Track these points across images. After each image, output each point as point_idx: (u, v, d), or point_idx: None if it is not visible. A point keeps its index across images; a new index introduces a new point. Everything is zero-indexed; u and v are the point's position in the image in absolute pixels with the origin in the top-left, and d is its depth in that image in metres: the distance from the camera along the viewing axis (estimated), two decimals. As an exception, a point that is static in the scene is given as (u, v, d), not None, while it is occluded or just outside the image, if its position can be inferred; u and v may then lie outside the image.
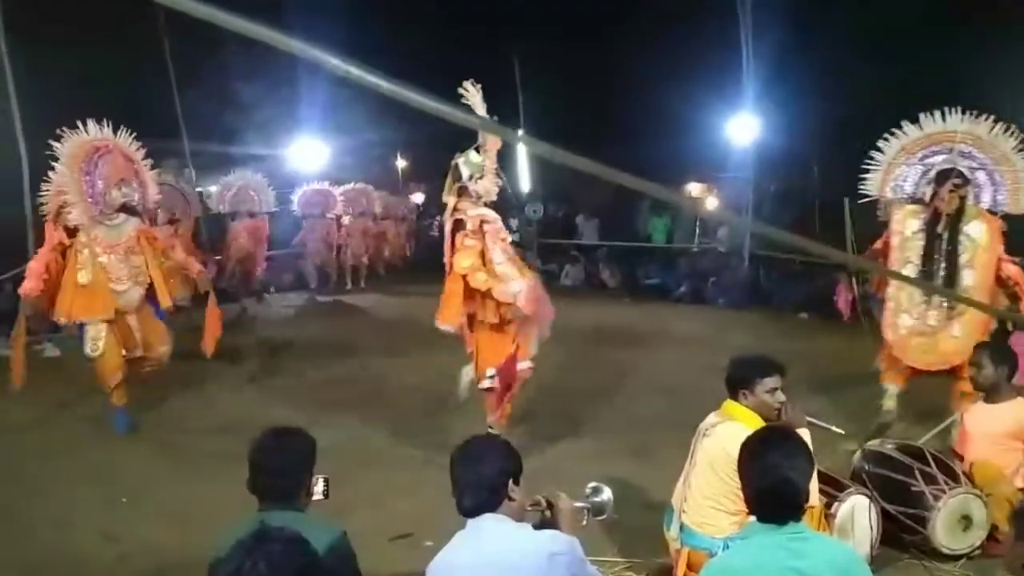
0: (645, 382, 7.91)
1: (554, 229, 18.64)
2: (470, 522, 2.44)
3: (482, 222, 5.57)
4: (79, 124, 6.47)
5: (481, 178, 5.60)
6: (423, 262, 17.88)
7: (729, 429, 3.41)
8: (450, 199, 5.69)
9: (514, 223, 18.82)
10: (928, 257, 5.28)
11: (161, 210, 8.77)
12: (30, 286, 6.32)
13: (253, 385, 7.45)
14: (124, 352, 6.44)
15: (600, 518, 2.88)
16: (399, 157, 21.73)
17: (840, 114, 11.07)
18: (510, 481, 2.45)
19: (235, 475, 2.75)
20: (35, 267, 6.36)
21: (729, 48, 13.26)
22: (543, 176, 17.48)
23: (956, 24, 11.24)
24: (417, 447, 5.90)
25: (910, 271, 5.28)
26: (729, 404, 3.58)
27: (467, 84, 5.53)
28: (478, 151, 5.59)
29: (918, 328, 5.30)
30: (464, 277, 5.45)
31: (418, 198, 19.87)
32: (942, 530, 4.05)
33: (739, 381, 3.55)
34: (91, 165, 6.37)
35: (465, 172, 5.61)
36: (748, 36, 13.04)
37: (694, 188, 19.00)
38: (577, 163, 1.43)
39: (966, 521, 4.09)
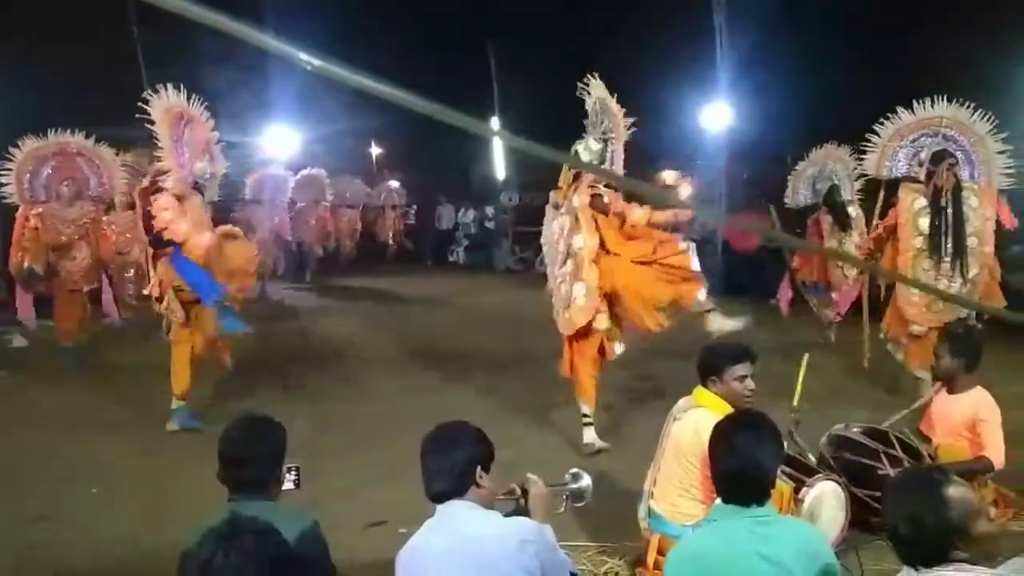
0: (619, 369, 7.93)
1: (529, 217, 18.62)
2: (439, 508, 2.45)
3: (614, 196, 5.70)
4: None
5: (601, 163, 5.68)
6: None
7: (696, 415, 3.45)
8: (564, 184, 5.75)
9: (490, 211, 18.87)
10: (934, 228, 5.96)
11: (121, 194, 8.62)
12: (206, 239, 5.96)
13: (226, 375, 7.39)
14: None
15: (579, 504, 2.90)
16: (374, 145, 21.60)
17: (812, 103, 11.16)
18: (478, 468, 2.44)
19: (209, 466, 2.74)
20: (185, 228, 5.93)
21: (703, 36, 13.30)
22: (518, 164, 17.47)
23: (928, 18, 11.37)
24: (391, 435, 5.90)
25: (920, 242, 6.00)
26: (699, 391, 3.62)
27: (590, 77, 5.86)
28: (597, 139, 5.78)
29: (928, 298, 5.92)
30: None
31: (393, 184, 19.75)
32: (908, 512, 4.13)
33: (709, 368, 3.58)
34: (179, 131, 6.21)
35: (586, 158, 5.68)
36: (722, 24, 13.09)
37: (668, 176, 19.07)
38: (553, 157, 1.45)
39: (931, 503, 4.18)
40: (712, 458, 2.48)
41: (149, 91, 6.20)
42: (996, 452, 4.18)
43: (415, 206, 20.12)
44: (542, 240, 6.13)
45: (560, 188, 5.77)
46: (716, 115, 13.72)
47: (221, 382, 7.21)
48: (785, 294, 9.41)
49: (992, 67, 10.03)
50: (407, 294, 13.74)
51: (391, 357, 8.76)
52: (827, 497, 3.99)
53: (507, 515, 2.53)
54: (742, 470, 2.36)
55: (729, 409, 3.40)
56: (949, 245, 5.89)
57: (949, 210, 5.92)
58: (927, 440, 4.50)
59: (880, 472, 4.20)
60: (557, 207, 5.81)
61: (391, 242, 18.34)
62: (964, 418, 4.31)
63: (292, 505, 2.74)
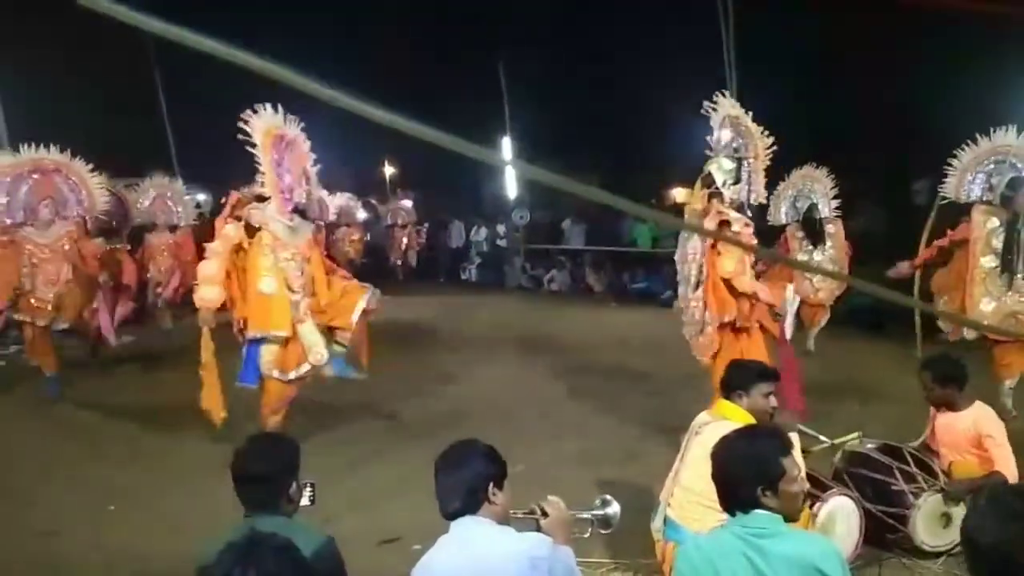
0: (631, 385, 7.96)
1: (540, 234, 18.68)
2: (452, 525, 2.47)
3: (744, 225, 5.54)
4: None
5: (735, 183, 5.57)
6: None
7: (722, 427, 3.43)
8: (697, 205, 5.67)
9: (501, 229, 18.92)
10: (1008, 248, 6.23)
11: (94, 218, 8.29)
12: (212, 296, 5.60)
13: (240, 393, 7.41)
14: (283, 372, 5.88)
15: (606, 531, 2.91)
16: (387, 164, 21.74)
17: (820, 116, 11.18)
18: (491, 485, 2.46)
19: (223, 483, 2.76)
20: (210, 272, 5.60)
21: (712, 49, 13.35)
22: (529, 183, 17.52)
23: (929, 37, 11.47)
24: (403, 451, 5.92)
25: (990, 260, 6.26)
26: (722, 403, 3.64)
27: (720, 95, 5.82)
28: (730, 157, 5.65)
29: (1002, 309, 6.14)
30: (727, 280, 5.45)
31: (406, 204, 19.85)
32: (922, 528, 4.11)
33: (737, 383, 3.63)
34: (281, 153, 5.78)
35: (719, 178, 5.57)
36: (730, 38, 13.15)
37: (678, 193, 19.10)
38: (567, 186, 1.48)
39: (946, 519, 4.16)
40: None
41: (250, 110, 5.72)
42: (1007, 465, 4.15)
43: (426, 224, 20.24)
44: (676, 258, 6.03)
45: (695, 208, 5.67)
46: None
47: (235, 399, 7.24)
48: None
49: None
50: (419, 309, 13.77)
51: (402, 370, 8.77)
52: (841, 512, 4.00)
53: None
54: (720, 480, 2.39)
55: (751, 421, 3.43)
56: (1022, 264, 6.22)
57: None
58: (935, 454, 4.49)
59: (894, 488, 4.20)
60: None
61: (399, 261, 18.32)
62: (968, 435, 4.29)
63: (307, 521, 2.76)
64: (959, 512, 4.16)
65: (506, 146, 17.80)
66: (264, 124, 5.69)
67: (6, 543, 4.59)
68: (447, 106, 15.51)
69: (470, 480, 2.45)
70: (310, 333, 5.92)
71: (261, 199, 5.82)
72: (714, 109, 5.89)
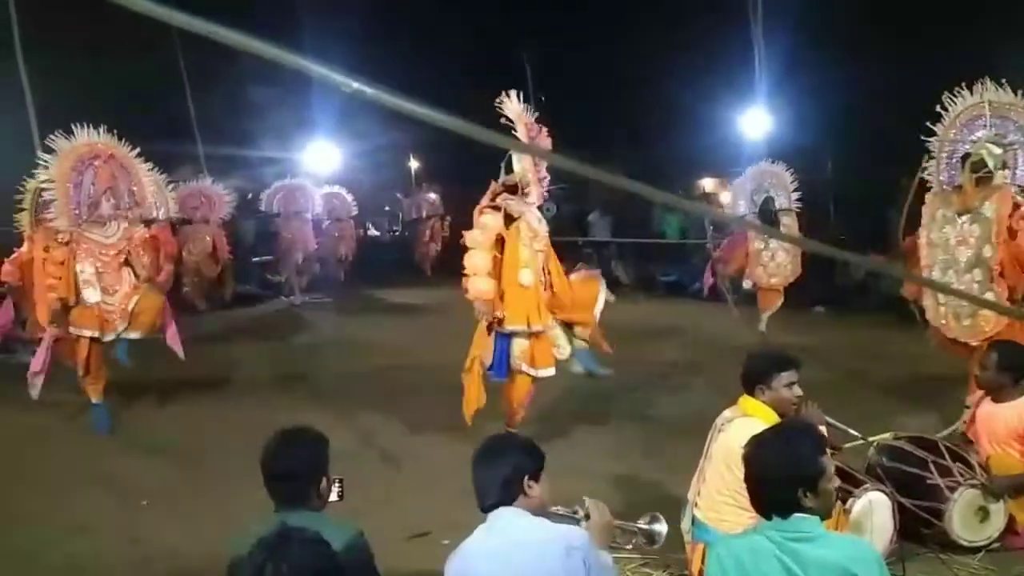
0: (661, 379, 7.92)
1: (567, 227, 18.59)
2: (489, 516, 2.49)
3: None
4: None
5: (1002, 168, 5.41)
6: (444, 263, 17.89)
7: (745, 424, 3.40)
8: (967, 188, 5.46)
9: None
10: None
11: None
12: (486, 287, 5.41)
13: (265, 389, 7.50)
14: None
15: (652, 547, 2.91)
16: (412, 158, 21.77)
17: (852, 108, 11.05)
18: (526, 477, 2.48)
19: (253, 479, 2.78)
20: (480, 263, 5.47)
21: (740, 44, 13.19)
22: (555, 175, 17.45)
23: (965, 19, 11.23)
24: (432, 446, 5.93)
25: None
26: (745, 399, 3.58)
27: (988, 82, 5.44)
28: (996, 143, 5.42)
29: (955, 309, 5.58)
30: None
31: (430, 196, 19.83)
32: (959, 522, 4.04)
33: (756, 376, 3.54)
34: (531, 140, 5.66)
35: (989, 164, 5.39)
36: (759, 31, 12.99)
37: (707, 183, 18.94)
38: (601, 176, 1.46)
39: (983, 513, 4.09)
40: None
41: (505, 95, 5.52)
42: (1050, 462, 4.09)
43: (448, 218, 20.25)
44: (923, 241, 5.70)
45: (963, 191, 5.48)
46: (755, 122, 13.59)
47: (260, 395, 7.32)
48: (707, 280, 10.61)
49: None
50: (446, 305, 13.79)
51: (429, 366, 8.79)
52: (875, 507, 3.93)
53: None
54: (756, 483, 2.34)
55: (776, 418, 3.38)
56: None
57: None
58: (970, 443, 4.42)
59: (929, 482, 4.13)
60: (962, 213, 5.47)
61: (430, 254, 18.00)
62: (1011, 429, 4.21)
63: (337, 516, 2.77)
64: (996, 507, 4.09)
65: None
66: (517, 110, 5.54)
67: (44, 540, 4.65)
68: (471, 98, 15.53)
69: (507, 472, 2.48)
70: (552, 327, 5.81)
71: (512, 188, 5.63)
72: (958, 97, 5.58)
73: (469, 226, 5.68)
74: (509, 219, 5.51)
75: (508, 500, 2.46)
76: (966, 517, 4.07)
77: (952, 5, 11.53)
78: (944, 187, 5.69)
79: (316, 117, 16.17)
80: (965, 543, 4.07)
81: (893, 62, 11.80)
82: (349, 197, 15.41)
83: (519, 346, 5.59)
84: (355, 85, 1.16)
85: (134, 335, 6.69)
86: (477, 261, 5.42)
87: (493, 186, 5.65)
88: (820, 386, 4.84)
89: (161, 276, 7.05)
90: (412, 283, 16.40)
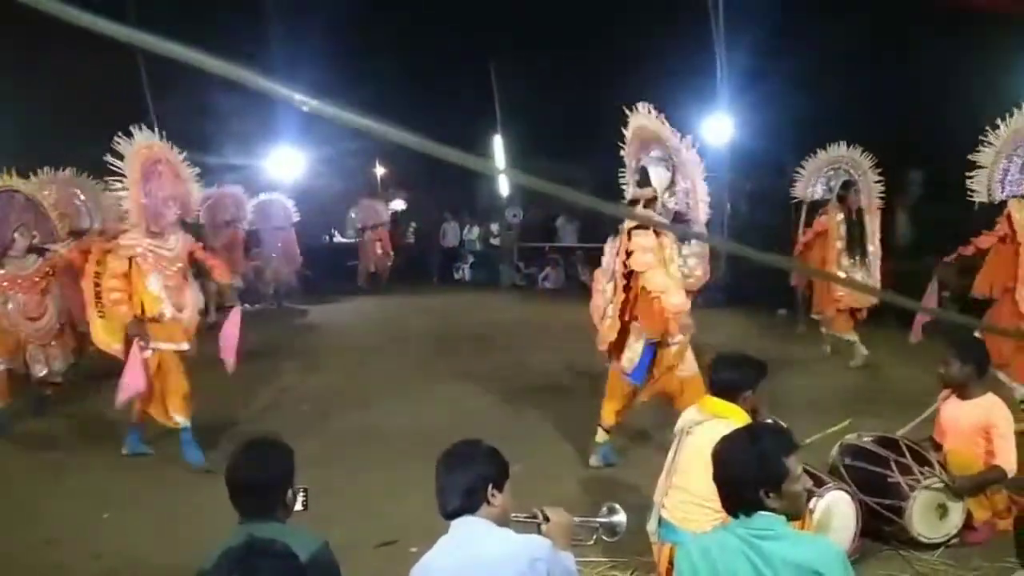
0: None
1: (534, 232, 18.65)
2: (451, 525, 2.47)
3: None
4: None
5: None
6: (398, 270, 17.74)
7: (719, 426, 3.28)
8: None
9: (494, 227, 18.90)
10: (850, 235, 8.03)
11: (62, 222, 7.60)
12: (681, 300, 5.24)
13: (231, 397, 7.40)
14: None
15: (612, 539, 2.91)
16: (378, 164, 21.69)
17: (811, 115, 11.25)
18: (490, 486, 2.46)
19: (218, 488, 2.75)
20: (665, 279, 5.24)
21: (703, 50, 13.37)
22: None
23: (921, 35, 11.58)
24: (402, 455, 5.91)
25: (840, 244, 8.05)
26: (712, 401, 3.58)
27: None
28: None
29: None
30: None
31: (398, 204, 19.72)
32: (918, 519, 4.12)
33: (746, 382, 3.55)
34: (644, 150, 5.54)
35: None
36: (721, 38, 13.18)
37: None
38: (559, 192, 1.48)
39: (942, 510, 4.17)
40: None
41: (625, 106, 5.45)
42: (1008, 460, 4.18)
43: (414, 224, 20.07)
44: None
45: None
46: (717, 128, 13.75)
47: (232, 401, 7.24)
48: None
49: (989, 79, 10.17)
50: (416, 311, 13.77)
51: (403, 372, 8.77)
52: (837, 506, 4.00)
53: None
54: (722, 481, 2.36)
55: (747, 418, 3.40)
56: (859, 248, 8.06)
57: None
58: (939, 448, 4.50)
59: (890, 480, 4.20)
60: None
61: (372, 268, 17.11)
62: (976, 424, 4.31)
63: (302, 526, 2.75)
64: (955, 505, 4.18)
65: (498, 145, 17.79)
66: (639, 119, 5.46)
67: (8, 554, 4.57)
68: (439, 105, 15.49)
69: (470, 480, 2.45)
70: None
71: (645, 202, 5.41)
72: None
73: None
74: (656, 233, 5.33)
75: (471, 508, 2.44)
76: (926, 514, 4.14)
77: (905, 29, 11.91)
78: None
79: (280, 123, 16.02)
80: (925, 540, 4.15)
81: (852, 74, 12.11)
82: (289, 203, 14.93)
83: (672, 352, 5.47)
84: (313, 103, 1.16)
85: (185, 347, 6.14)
86: (660, 280, 5.22)
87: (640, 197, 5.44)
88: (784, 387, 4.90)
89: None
90: (376, 289, 16.40)
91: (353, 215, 18.00)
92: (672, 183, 5.42)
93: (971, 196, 6.12)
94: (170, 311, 5.87)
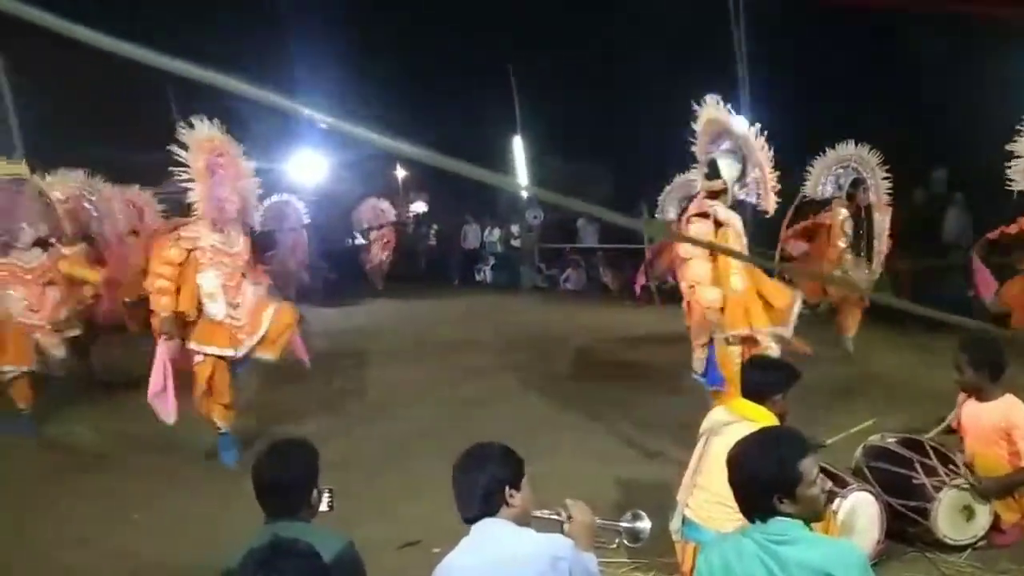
0: (648, 384, 7.93)
1: (554, 233, 18.63)
2: (473, 528, 2.48)
3: None
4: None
5: None
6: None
7: (745, 428, 3.29)
8: None
9: (515, 229, 18.90)
10: (856, 234, 7.89)
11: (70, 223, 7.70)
12: (715, 296, 5.18)
13: (256, 399, 7.46)
14: None
15: (635, 545, 2.89)
16: (399, 167, 21.79)
17: (822, 117, 11.24)
18: (507, 487, 2.46)
19: (243, 488, 2.78)
20: (704, 273, 5.22)
21: (720, 53, 13.34)
22: (541, 183, 17.50)
23: (932, 37, 11.54)
24: (424, 456, 5.93)
25: (844, 242, 7.89)
26: (741, 403, 3.57)
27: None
28: None
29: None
30: None
31: (419, 207, 19.75)
32: (944, 521, 4.08)
33: (778, 385, 3.54)
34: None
35: None
36: (740, 41, 13.14)
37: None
38: (578, 207, 1.49)
39: (968, 511, 4.13)
40: None
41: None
42: (1033, 459, 4.12)
43: (435, 226, 20.08)
44: None
45: None
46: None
47: (256, 403, 7.29)
48: (640, 281, 10.15)
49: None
50: (437, 313, 13.80)
51: (423, 373, 8.80)
52: (861, 508, 3.97)
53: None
54: (736, 486, 2.34)
55: (775, 421, 3.40)
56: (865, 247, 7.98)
57: None
58: (961, 451, 4.45)
59: (915, 481, 4.16)
60: None
61: (381, 266, 17.11)
62: (995, 426, 4.24)
63: (327, 526, 2.78)
64: (982, 507, 4.13)
65: (518, 146, 17.81)
66: (708, 112, 5.43)
67: (37, 554, 4.65)
68: (460, 107, 15.53)
69: (486, 484, 2.45)
70: (763, 332, 5.43)
71: (715, 194, 5.34)
72: None
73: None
74: (717, 225, 5.26)
75: (490, 512, 2.44)
76: (952, 516, 4.10)
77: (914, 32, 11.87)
78: None
79: (302, 127, 16.14)
80: (951, 542, 4.10)
81: (862, 77, 12.10)
82: (300, 205, 15.12)
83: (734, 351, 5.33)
84: (330, 120, 1.17)
85: (267, 357, 6.09)
86: (699, 271, 5.19)
87: (701, 192, 5.45)
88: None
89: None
90: (400, 290, 16.42)
91: (359, 215, 17.83)
92: (743, 174, 5.37)
93: (1009, 185, 6.18)
94: (224, 310, 5.75)
